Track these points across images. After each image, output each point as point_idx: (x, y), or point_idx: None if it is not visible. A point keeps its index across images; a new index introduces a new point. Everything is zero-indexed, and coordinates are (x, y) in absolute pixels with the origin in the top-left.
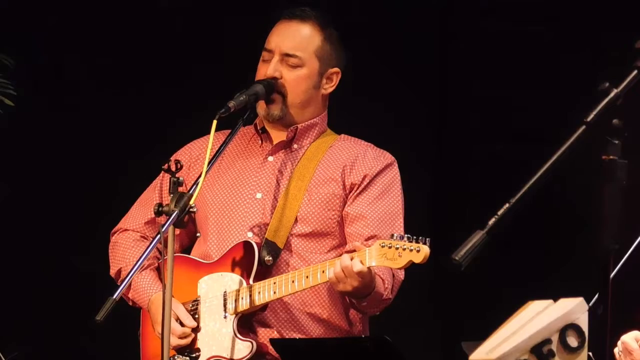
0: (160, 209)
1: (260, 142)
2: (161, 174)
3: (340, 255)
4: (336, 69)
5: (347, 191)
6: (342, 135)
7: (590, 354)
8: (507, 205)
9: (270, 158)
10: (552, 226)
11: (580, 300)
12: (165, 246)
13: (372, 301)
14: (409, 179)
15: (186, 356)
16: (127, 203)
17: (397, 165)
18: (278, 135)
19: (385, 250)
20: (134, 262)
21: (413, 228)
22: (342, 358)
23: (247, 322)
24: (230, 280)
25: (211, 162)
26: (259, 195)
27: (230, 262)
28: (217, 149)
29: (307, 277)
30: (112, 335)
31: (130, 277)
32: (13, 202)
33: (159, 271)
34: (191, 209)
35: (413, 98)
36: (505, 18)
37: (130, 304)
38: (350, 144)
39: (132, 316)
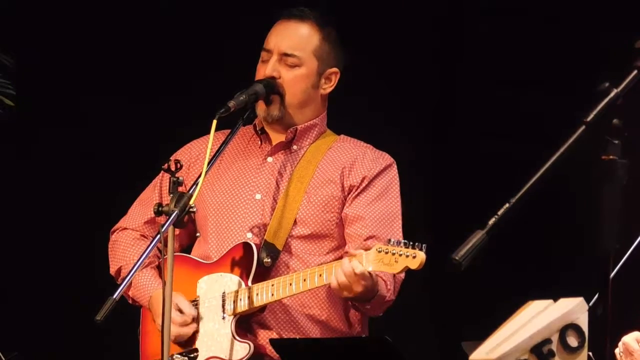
0: (160, 208)
1: (259, 142)
2: (160, 174)
3: (340, 257)
4: (335, 69)
5: (346, 193)
6: (342, 135)
7: (590, 354)
8: (507, 205)
9: (270, 159)
10: (552, 226)
11: (580, 300)
12: (165, 246)
13: (376, 304)
14: (409, 179)
15: (184, 356)
16: (126, 203)
17: (396, 166)
18: (277, 136)
19: (382, 256)
20: (134, 261)
21: (413, 228)
22: (341, 358)
23: (246, 323)
24: (229, 280)
25: (211, 162)
26: (258, 196)
27: (230, 262)
28: (216, 149)
29: (304, 280)
30: (112, 334)
31: (130, 277)
32: (13, 202)
33: (160, 269)
34: (191, 209)
35: (413, 98)
36: (505, 18)
37: (130, 302)
38: (350, 145)
39: (132, 315)
